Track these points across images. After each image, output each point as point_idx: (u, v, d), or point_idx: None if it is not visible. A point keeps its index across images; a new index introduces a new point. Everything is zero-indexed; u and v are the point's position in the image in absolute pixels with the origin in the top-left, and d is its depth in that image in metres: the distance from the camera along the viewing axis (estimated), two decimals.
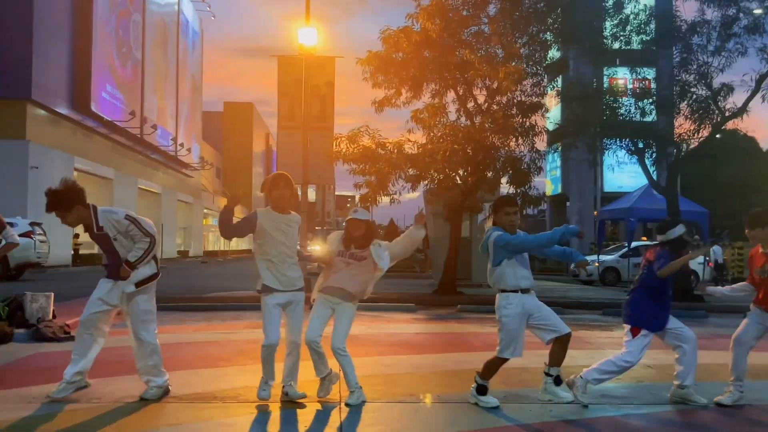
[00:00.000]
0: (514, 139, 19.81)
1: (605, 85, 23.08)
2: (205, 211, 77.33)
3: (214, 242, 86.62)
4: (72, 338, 10.76)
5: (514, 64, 19.29)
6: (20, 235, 26.89)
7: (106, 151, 46.44)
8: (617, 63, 25.03)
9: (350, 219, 7.37)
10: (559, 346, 6.88)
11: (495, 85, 19.72)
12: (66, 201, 6.74)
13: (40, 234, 27.13)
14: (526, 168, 19.95)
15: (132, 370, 7.23)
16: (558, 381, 6.91)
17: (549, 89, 21.98)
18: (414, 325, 14.28)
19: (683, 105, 20.84)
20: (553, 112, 24.10)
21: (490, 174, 20.17)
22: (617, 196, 34.65)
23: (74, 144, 41.11)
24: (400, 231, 54.52)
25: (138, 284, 6.89)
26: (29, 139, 35.57)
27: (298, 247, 7.20)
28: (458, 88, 20.44)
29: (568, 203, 50.33)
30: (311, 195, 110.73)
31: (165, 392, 7.00)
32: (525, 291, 6.85)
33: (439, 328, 13.89)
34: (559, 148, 26.57)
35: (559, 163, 49.97)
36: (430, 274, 27.93)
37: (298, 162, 21.62)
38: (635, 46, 21.36)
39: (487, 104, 20.44)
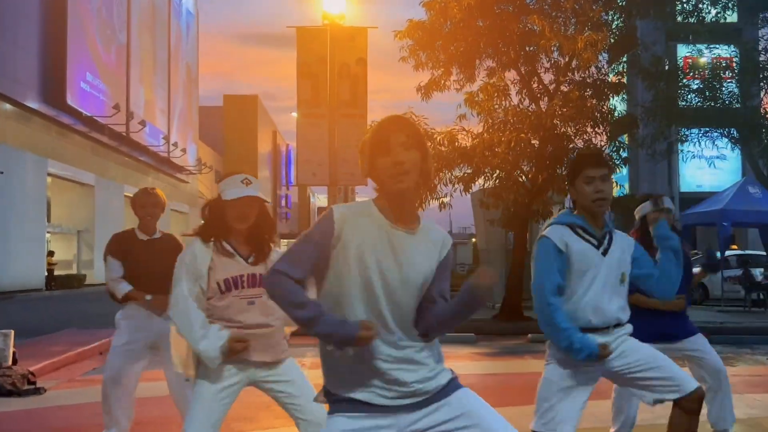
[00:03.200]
0: (590, 127, 19.25)
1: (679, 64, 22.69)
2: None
3: None
4: (38, 391, 10.11)
5: (587, 33, 18.50)
6: None
7: (86, 152, 46.36)
8: (690, 39, 24.58)
9: (236, 200, 4.84)
10: None
11: (566, 60, 19.16)
12: None
13: None
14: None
15: None
16: None
17: (621, 67, 21.36)
18: (478, 363, 13.54)
19: None
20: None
21: (561, 170, 19.17)
22: (695, 198, 34.06)
23: (47, 144, 40.86)
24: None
25: None
26: None
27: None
28: (520, 65, 19.79)
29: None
30: (322, 199, 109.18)
31: None
32: None
33: (511, 367, 13.03)
34: (627, 140, 26.03)
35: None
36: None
37: (323, 158, 21.19)
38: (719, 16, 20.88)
39: (555, 84, 19.92)
